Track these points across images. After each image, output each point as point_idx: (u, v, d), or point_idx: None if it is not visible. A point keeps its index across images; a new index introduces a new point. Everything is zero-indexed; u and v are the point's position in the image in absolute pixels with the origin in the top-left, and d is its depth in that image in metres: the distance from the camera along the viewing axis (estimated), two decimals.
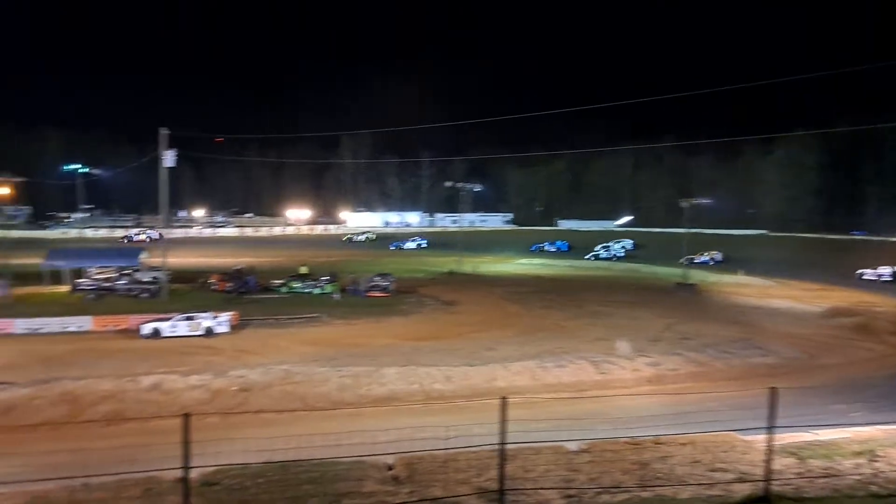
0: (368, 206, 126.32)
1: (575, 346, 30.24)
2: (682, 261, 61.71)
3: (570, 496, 9.46)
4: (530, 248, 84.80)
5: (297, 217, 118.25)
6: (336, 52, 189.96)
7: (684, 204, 63.09)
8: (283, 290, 46.24)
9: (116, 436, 17.25)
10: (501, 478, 9.17)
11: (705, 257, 70.62)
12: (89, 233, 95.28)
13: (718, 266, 67.27)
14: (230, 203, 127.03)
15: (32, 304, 39.52)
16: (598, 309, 41.51)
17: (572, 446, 11.53)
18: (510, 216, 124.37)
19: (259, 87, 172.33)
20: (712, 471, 10.55)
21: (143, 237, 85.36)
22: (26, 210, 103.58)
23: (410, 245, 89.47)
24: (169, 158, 44.99)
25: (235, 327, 34.39)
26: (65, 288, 44.73)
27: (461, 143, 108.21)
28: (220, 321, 33.76)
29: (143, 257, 49.32)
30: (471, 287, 50.79)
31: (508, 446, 9.26)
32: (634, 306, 42.80)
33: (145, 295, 43.35)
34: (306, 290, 45.93)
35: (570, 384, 24.60)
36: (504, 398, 9.04)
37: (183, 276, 48.90)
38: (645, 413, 14.99)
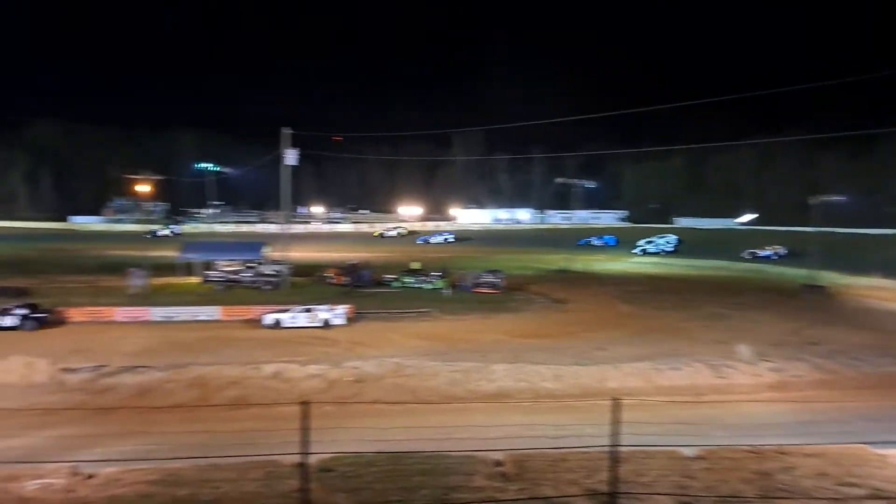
0: (479, 202, 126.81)
1: (691, 349, 29.16)
2: (744, 254, 63.34)
3: (684, 503, 9.16)
4: (577, 242, 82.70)
5: (409, 213, 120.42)
6: (450, 51, 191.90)
7: (814, 201, 59.36)
8: (396, 284, 47.31)
9: (240, 419, 18.23)
10: (613, 480, 9.01)
11: (768, 251, 70.35)
12: (218, 227, 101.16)
13: (783, 260, 66.36)
14: (347, 199, 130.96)
15: (168, 294, 42.52)
16: (716, 311, 39.82)
17: (688, 452, 11.14)
18: (624, 213, 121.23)
19: (376, 86, 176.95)
20: (842, 485, 9.90)
21: (166, 232, 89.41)
22: (163, 206, 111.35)
23: (437, 239, 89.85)
24: (291, 157, 47.10)
25: (350, 320, 35.55)
26: (196, 279, 47.76)
27: (574, 138, 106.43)
28: (337, 313, 35.00)
29: (266, 251, 51.89)
30: (581, 285, 49.98)
31: (620, 449, 9.08)
32: (756, 308, 40.72)
33: (268, 287, 45.59)
34: (418, 286, 46.79)
35: (686, 388, 23.74)
36: (617, 399, 8.87)
37: (302, 270, 51.00)
38: (766, 420, 14.29)
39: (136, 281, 43.51)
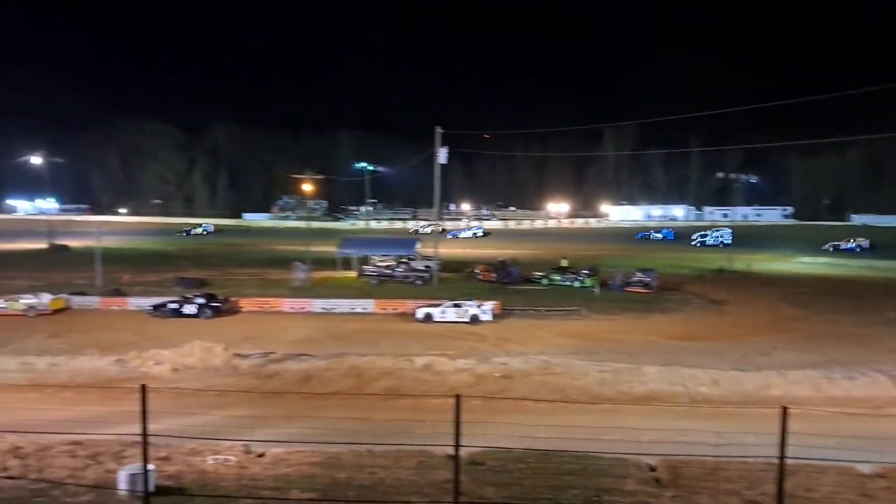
0: (631, 199, 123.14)
1: (869, 357, 26.61)
2: (826, 247, 65.67)
3: None
4: (636, 236, 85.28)
5: (558, 210, 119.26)
6: (600, 43, 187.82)
7: None
8: (544, 282, 46.98)
9: (394, 409, 18.84)
10: (779, 494, 8.43)
11: (852, 244, 71.05)
12: (374, 224, 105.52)
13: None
14: (496, 197, 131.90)
15: (327, 287, 44.91)
16: None
17: (865, 469, 10.21)
18: (790, 210, 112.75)
19: (525, 84, 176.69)
20: None
21: (199, 231, 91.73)
22: (324, 203, 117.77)
23: (466, 234, 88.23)
24: (442, 155, 48.14)
25: (498, 316, 35.75)
26: (353, 273, 50.10)
27: (734, 130, 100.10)
28: (485, 309, 35.34)
29: (418, 247, 53.41)
30: (742, 286, 47.08)
31: (788, 461, 8.48)
32: None
33: (419, 282, 46.91)
34: (566, 283, 46.18)
35: (862, 399, 21.71)
36: (785, 408, 8.29)
37: (451, 266, 51.99)
38: None
39: (300, 274, 46.41)
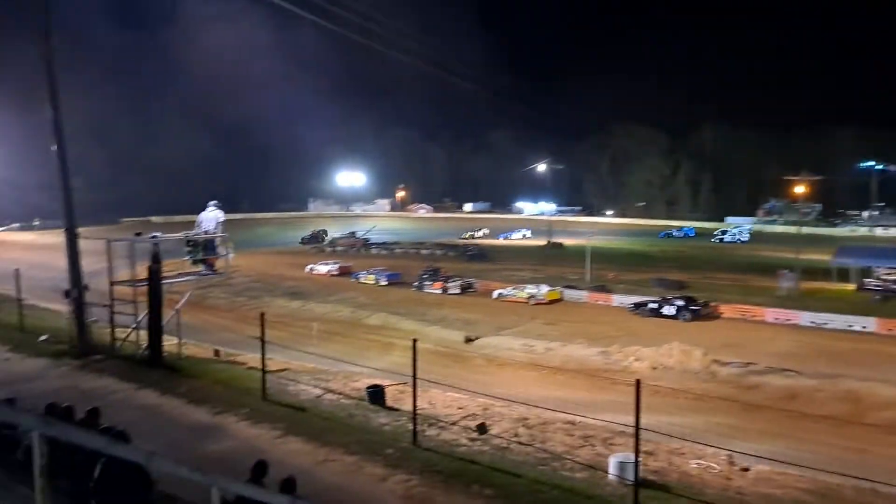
0: None
1: None
2: None
3: None
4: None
5: None
6: None
7: None
8: None
9: None
10: None
11: None
12: (879, 231, 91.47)
13: None
14: None
15: (818, 299, 40.70)
16: None
17: None
18: None
19: None
20: None
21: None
22: (817, 207, 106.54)
23: (516, 235, 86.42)
24: None
25: None
26: (850, 286, 44.38)
27: None
28: None
29: None
30: None
31: None
32: None
33: None
34: None
35: None
36: None
37: None
38: None
39: (786, 283, 43.06)
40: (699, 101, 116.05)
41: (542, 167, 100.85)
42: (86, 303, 17.36)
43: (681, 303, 36.87)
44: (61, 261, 17.57)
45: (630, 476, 9.43)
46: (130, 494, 6.55)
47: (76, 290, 17.22)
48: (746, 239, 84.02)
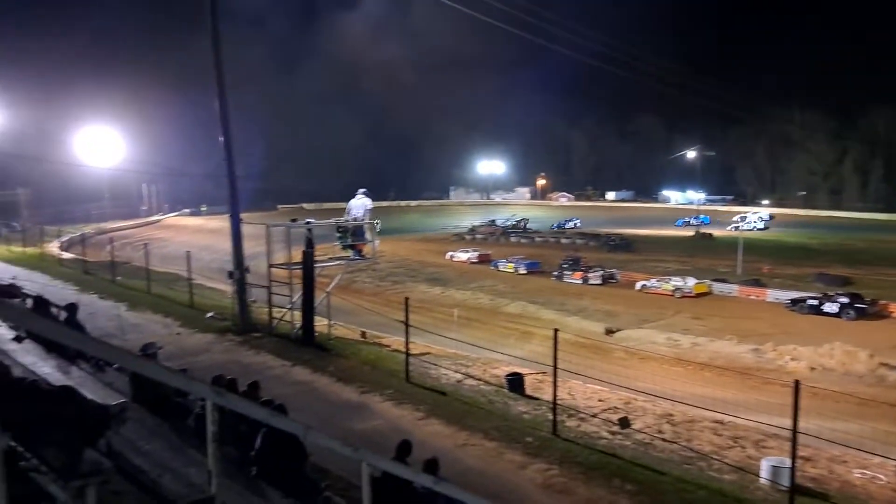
0: None
1: None
2: None
3: None
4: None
5: None
6: None
7: None
8: None
9: None
10: None
11: None
12: None
13: None
14: None
15: None
16: None
17: None
18: None
19: None
20: None
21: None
22: None
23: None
24: None
25: None
26: None
27: None
28: None
29: None
30: None
31: None
32: None
33: None
34: None
35: None
36: None
37: None
38: None
39: None
40: (870, 81, 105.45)
41: (691, 154, 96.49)
42: (247, 283, 18.68)
43: (844, 300, 34.10)
44: (225, 244, 18.98)
45: (784, 481, 8.88)
46: (288, 464, 7.01)
47: (238, 271, 18.58)
48: None
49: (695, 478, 9.73)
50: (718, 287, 41.00)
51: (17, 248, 37.16)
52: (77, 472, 3.62)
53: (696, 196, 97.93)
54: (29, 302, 11.88)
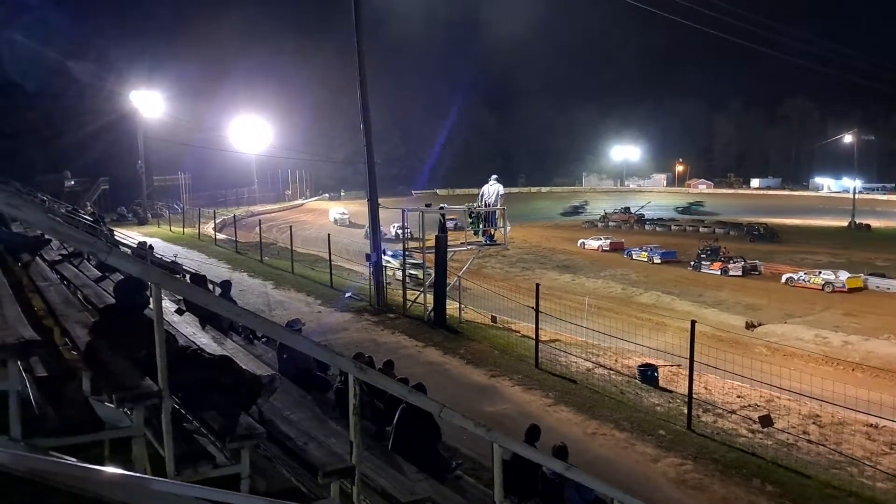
0: None
1: None
2: None
3: None
4: None
5: None
6: None
7: None
8: None
9: None
10: None
11: None
12: None
13: None
14: None
15: None
16: None
17: None
18: None
19: None
20: None
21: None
22: None
23: None
24: None
25: None
26: None
27: None
28: None
29: None
30: None
31: None
32: None
33: None
34: None
35: None
36: None
37: None
38: None
39: None
40: None
41: (847, 138, 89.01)
42: (383, 265, 19.38)
43: None
44: (357, 230, 19.71)
45: None
46: (423, 440, 7.28)
47: (375, 253, 19.31)
48: None
49: (843, 483, 9.13)
50: (875, 282, 37.73)
51: (177, 229, 40.37)
52: (234, 435, 3.94)
53: (851, 184, 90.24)
54: (188, 278, 12.96)
